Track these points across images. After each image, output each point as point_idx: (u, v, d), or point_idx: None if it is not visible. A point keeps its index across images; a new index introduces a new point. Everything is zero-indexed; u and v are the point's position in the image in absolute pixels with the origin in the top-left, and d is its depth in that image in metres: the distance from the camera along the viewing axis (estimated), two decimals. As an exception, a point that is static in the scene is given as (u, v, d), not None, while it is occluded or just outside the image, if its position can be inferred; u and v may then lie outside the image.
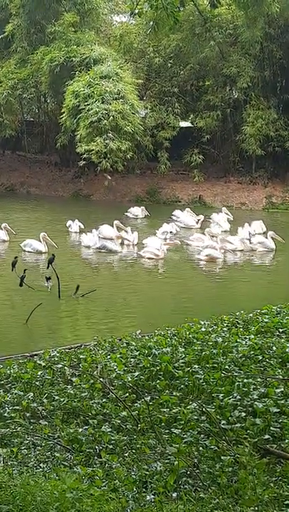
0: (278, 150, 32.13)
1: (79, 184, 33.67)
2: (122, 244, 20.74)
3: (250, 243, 21.26)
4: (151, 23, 9.72)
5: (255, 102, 32.03)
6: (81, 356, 8.58)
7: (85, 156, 28.14)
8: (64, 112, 29.35)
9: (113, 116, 27.60)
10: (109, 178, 29.09)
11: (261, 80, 32.64)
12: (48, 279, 15.03)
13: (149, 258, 19.30)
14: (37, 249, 19.34)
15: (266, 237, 21.37)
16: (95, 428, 6.24)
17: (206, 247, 19.72)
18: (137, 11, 8.72)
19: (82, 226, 22.65)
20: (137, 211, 27.10)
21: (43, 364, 8.28)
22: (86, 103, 28.21)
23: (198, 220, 25.05)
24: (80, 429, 6.24)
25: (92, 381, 7.46)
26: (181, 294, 16.10)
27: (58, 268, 16.02)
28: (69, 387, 7.42)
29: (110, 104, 27.90)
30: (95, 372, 7.73)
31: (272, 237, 21.03)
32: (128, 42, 32.54)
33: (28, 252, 19.58)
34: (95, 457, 5.76)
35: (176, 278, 18.07)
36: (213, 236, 20.91)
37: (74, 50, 30.26)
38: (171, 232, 22.31)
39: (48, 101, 36.31)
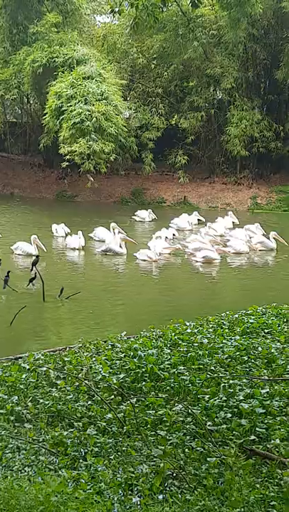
0: (262, 151, 32.23)
1: (63, 185, 33.58)
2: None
3: (250, 243, 21.38)
4: (132, 22, 9.66)
5: (239, 103, 32.11)
6: (66, 359, 8.53)
7: (68, 157, 28.05)
8: (47, 113, 29.25)
9: (96, 117, 27.52)
10: (92, 179, 29.01)
11: (245, 81, 32.74)
12: (32, 280, 14.96)
13: (143, 260, 19.28)
14: (27, 252, 19.21)
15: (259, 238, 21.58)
16: (80, 431, 6.20)
17: (201, 249, 19.78)
18: (117, 9, 8.68)
19: (69, 230, 22.54)
20: (144, 214, 27.03)
21: (28, 367, 8.22)
22: (69, 104, 28.10)
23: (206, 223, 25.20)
24: (65, 432, 6.19)
25: (77, 384, 7.41)
26: (169, 295, 16.07)
27: (43, 270, 15.96)
28: (54, 390, 7.36)
29: (93, 105, 27.82)
30: (80, 375, 7.69)
31: (274, 238, 21.09)
32: (111, 42, 32.54)
33: (19, 254, 19.47)
34: (81, 460, 5.72)
35: (167, 280, 18.05)
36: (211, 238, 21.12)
37: (57, 51, 30.16)
38: (174, 235, 22.29)
39: (31, 102, 36.19)
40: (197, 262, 19.51)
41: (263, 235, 22.42)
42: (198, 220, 25.66)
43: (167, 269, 19.22)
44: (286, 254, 20.74)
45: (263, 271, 19.39)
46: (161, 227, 22.81)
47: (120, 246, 20.19)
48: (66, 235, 22.25)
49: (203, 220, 25.27)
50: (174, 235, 22.38)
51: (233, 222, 24.99)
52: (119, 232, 21.47)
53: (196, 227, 25.04)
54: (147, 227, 25.73)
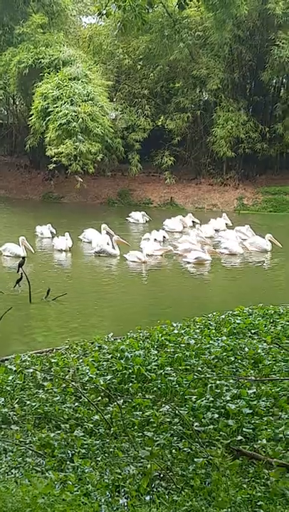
0: (248, 152, 32.34)
1: (49, 186, 33.50)
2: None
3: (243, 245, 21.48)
4: (119, 24, 9.68)
5: (225, 104, 32.20)
6: (53, 360, 8.51)
7: (54, 158, 28.02)
8: (33, 114, 29.19)
9: (83, 118, 27.51)
10: (81, 180, 28.98)
11: (231, 82, 32.82)
12: (18, 281, 14.91)
13: (133, 262, 19.29)
14: (16, 254, 19.13)
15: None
16: (68, 432, 6.19)
17: (191, 250, 19.83)
18: (104, 12, 8.68)
19: (54, 231, 22.49)
20: (138, 216, 26.97)
21: (14, 369, 8.19)
22: (55, 105, 28.07)
23: (195, 222, 25.20)
24: (52, 434, 6.17)
25: (64, 385, 7.40)
26: (157, 296, 16.09)
27: (30, 272, 15.92)
28: (41, 391, 7.34)
29: (80, 106, 27.81)
30: (67, 376, 7.68)
31: (269, 240, 21.15)
32: (97, 43, 32.55)
33: (7, 256, 19.40)
34: (68, 462, 5.71)
35: (156, 281, 18.06)
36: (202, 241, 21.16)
37: (42, 52, 30.13)
38: (164, 237, 22.26)
39: (17, 103, 36.14)
40: (189, 263, 19.55)
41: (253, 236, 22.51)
42: (193, 221, 25.58)
43: (157, 270, 19.22)
44: (280, 257, 20.79)
45: (254, 272, 19.41)
46: (155, 229, 22.84)
47: (113, 247, 20.20)
48: (52, 236, 22.20)
49: (198, 221, 25.26)
50: (164, 237, 22.34)
51: (226, 224, 24.97)
52: (107, 232, 21.49)
53: (191, 228, 24.97)
54: (141, 228, 25.63)
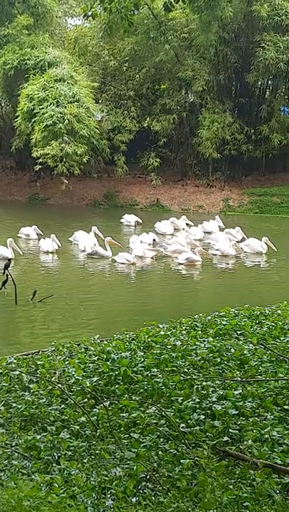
0: (234, 153, 32.47)
1: (35, 188, 33.43)
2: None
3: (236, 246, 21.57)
4: (105, 25, 9.68)
5: (210, 106, 32.30)
6: (39, 362, 8.48)
7: (40, 160, 27.97)
8: (19, 116, 29.12)
9: (68, 119, 27.50)
10: (66, 181, 28.94)
11: (216, 84, 32.92)
12: (4, 283, 14.86)
13: (122, 263, 19.28)
14: (3, 256, 19.00)
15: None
16: (54, 435, 6.17)
17: (181, 252, 19.88)
18: (90, 13, 8.67)
19: (41, 233, 22.42)
20: (130, 218, 26.83)
21: (0, 371, 8.15)
22: (41, 106, 28.05)
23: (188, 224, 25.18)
24: (38, 436, 6.15)
25: (50, 387, 7.37)
26: (145, 298, 16.11)
27: (16, 274, 15.86)
28: (27, 393, 7.32)
29: (65, 107, 27.80)
30: (53, 378, 7.65)
31: (265, 242, 21.18)
32: (83, 45, 32.52)
33: None
34: (54, 464, 5.69)
35: (144, 283, 18.07)
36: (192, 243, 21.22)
37: (28, 53, 30.09)
38: (154, 240, 22.23)
39: (3, 104, 36.03)
40: (180, 264, 19.58)
41: (243, 238, 22.54)
42: (187, 224, 25.56)
43: (146, 272, 19.24)
44: (273, 259, 20.84)
45: (244, 274, 19.46)
46: (145, 232, 22.84)
47: (105, 249, 20.18)
48: (39, 238, 22.13)
49: (192, 224, 25.24)
50: (154, 239, 22.29)
51: (220, 226, 24.89)
52: (96, 234, 21.50)
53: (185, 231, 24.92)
54: (133, 231, 25.50)
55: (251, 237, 22.08)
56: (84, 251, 20.79)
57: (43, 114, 27.79)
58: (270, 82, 34.55)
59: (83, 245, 20.95)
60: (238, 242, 22.19)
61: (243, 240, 22.53)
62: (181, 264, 19.55)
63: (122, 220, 27.02)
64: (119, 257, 19.44)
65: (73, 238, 22.20)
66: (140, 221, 26.76)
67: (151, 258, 20.16)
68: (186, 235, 22.63)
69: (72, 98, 28.24)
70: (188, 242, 21.10)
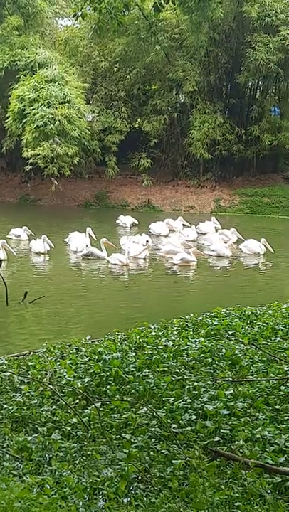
0: (225, 154, 32.51)
1: (26, 189, 33.36)
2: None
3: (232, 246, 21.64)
4: (95, 26, 9.68)
5: (201, 106, 32.32)
6: (30, 363, 8.47)
7: (31, 160, 27.93)
8: (9, 117, 29.06)
9: (59, 120, 27.47)
10: (56, 182, 28.91)
11: (207, 84, 32.96)
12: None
13: (115, 264, 19.27)
14: None
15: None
16: (45, 436, 6.16)
17: (175, 252, 19.92)
18: (79, 13, 8.66)
19: (33, 234, 22.37)
20: (126, 220, 26.67)
21: (-9, 372, 8.14)
22: (31, 107, 28.00)
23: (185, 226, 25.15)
24: (30, 438, 6.14)
25: (41, 388, 7.36)
26: (137, 299, 16.07)
27: (7, 275, 15.82)
28: (18, 395, 7.30)
29: (56, 108, 27.77)
30: (45, 380, 7.64)
31: (263, 244, 21.21)
32: (73, 46, 32.47)
33: None
34: (45, 465, 5.67)
35: (137, 283, 18.02)
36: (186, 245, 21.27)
37: (18, 54, 30.03)
38: (147, 241, 22.19)
39: (-7, 105, 35.86)
40: (175, 264, 19.60)
41: (239, 239, 22.52)
42: (183, 224, 25.51)
43: (139, 272, 19.23)
44: (272, 260, 20.86)
45: (240, 275, 19.45)
46: (138, 234, 22.81)
47: (101, 250, 20.18)
48: (30, 239, 22.08)
49: (188, 225, 25.22)
50: (147, 241, 22.22)
51: (216, 228, 24.80)
52: (89, 235, 21.52)
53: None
54: (128, 232, 25.40)
55: (250, 239, 21.96)
56: (76, 252, 20.78)
57: (34, 114, 27.75)
58: (260, 82, 34.62)
59: (75, 246, 20.94)
60: (234, 243, 22.18)
61: (239, 241, 22.48)
62: (176, 264, 19.57)
63: (117, 221, 26.90)
64: (113, 258, 19.44)
65: (68, 239, 22.13)
66: (136, 222, 26.64)
67: (144, 259, 20.14)
68: (178, 235, 22.63)
69: (63, 99, 28.22)
70: (181, 243, 21.13)
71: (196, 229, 24.60)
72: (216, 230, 24.42)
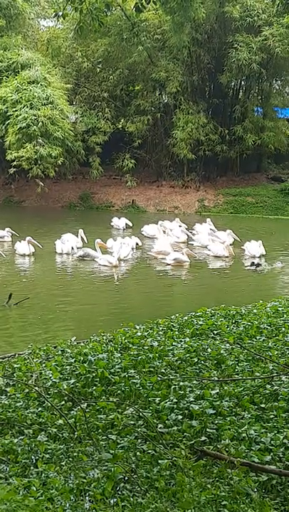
0: (209, 154, 32.59)
1: (10, 191, 33.27)
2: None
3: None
4: (76, 26, 9.66)
5: (184, 107, 32.39)
6: (15, 365, 8.44)
7: (15, 162, 27.83)
8: (-8, 118, 28.95)
9: (42, 121, 27.41)
10: (41, 184, 28.85)
11: (190, 85, 33.02)
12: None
13: (104, 266, 19.25)
14: None
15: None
16: (31, 438, 6.13)
17: (166, 253, 19.97)
18: (60, 13, 8.64)
19: (16, 234, 22.28)
20: (120, 222, 26.50)
21: (-24, 375, 8.09)
22: (14, 109, 27.92)
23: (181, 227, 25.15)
24: (16, 440, 6.10)
25: (27, 390, 7.34)
26: (124, 300, 16.07)
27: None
28: (3, 397, 7.27)
29: (39, 109, 27.70)
30: (30, 381, 7.61)
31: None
32: (56, 46, 32.43)
33: None
34: (32, 467, 5.65)
35: (123, 285, 17.99)
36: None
37: (0, 55, 29.99)
38: (137, 244, 22.13)
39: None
40: (168, 264, 19.66)
41: (235, 241, 22.52)
42: (180, 226, 25.42)
43: (128, 273, 19.19)
44: (268, 262, 20.90)
45: (230, 275, 19.46)
46: (128, 236, 22.77)
47: (96, 251, 20.18)
48: (13, 240, 22.00)
49: (186, 226, 25.16)
50: (137, 243, 22.16)
51: (211, 229, 24.65)
52: (81, 237, 21.52)
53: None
54: (122, 234, 25.21)
55: (248, 241, 21.82)
56: (62, 254, 20.75)
57: (17, 116, 27.66)
58: (243, 82, 34.76)
59: (60, 248, 20.88)
60: (231, 244, 22.23)
61: (235, 242, 22.50)
62: (169, 264, 19.63)
63: (112, 224, 26.70)
64: (102, 260, 19.42)
65: (61, 241, 22.04)
66: (130, 224, 26.44)
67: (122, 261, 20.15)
68: (168, 236, 22.63)
69: (45, 100, 28.16)
70: (171, 244, 21.17)
71: (192, 231, 24.47)
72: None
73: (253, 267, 19.33)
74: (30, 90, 28.20)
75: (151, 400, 6.93)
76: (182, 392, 7.09)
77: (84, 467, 5.57)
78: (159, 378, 7.57)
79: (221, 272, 19.79)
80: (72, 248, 20.87)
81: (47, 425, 6.42)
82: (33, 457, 5.81)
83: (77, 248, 21.06)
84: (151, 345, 9.10)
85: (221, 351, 8.68)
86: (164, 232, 24.12)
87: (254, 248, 21.13)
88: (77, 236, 21.84)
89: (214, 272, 19.81)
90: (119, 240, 21.26)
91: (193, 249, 21.59)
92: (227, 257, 20.94)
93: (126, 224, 26.46)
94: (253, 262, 19.84)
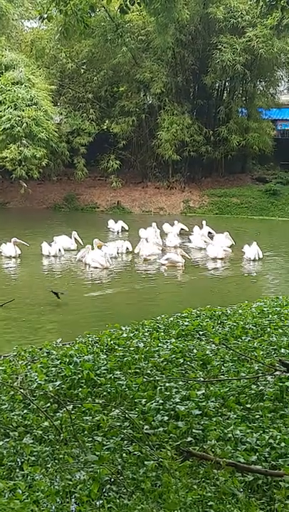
0: (194, 155, 32.65)
1: (-6, 192, 33.15)
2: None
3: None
4: (61, 28, 9.64)
5: (169, 108, 32.42)
6: (0, 368, 8.39)
7: (-1, 164, 27.76)
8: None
9: (27, 123, 27.34)
10: (25, 185, 28.75)
11: (174, 86, 33.07)
12: None
13: (95, 268, 19.21)
14: None
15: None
16: (16, 440, 6.10)
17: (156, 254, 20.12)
18: (45, 16, 8.62)
19: None
20: (116, 226, 26.33)
21: None
22: (-2, 110, 27.82)
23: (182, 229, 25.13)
24: (1, 443, 6.07)
25: (12, 392, 7.30)
26: (108, 301, 16.04)
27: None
28: (-12, 400, 7.23)
29: (23, 110, 27.62)
30: (15, 384, 7.58)
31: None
32: (40, 47, 32.38)
33: None
34: (17, 470, 5.62)
35: (112, 286, 17.87)
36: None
37: (-16, 57, 29.81)
38: (127, 248, 22.04)
39: None
40: (163, 265, 19.75)
41: (232, 245, 22.54)
42: (182, 229, 25.37)
43: (118, 275, 19.12)
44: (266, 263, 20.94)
45: (220, 277, 19.46)
46: (120, 239, 22.76)
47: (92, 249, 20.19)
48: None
49: (187, 229, 25.11)
50: (127, 248, 22.08)
51: (209, 233, 24.58)
52: (75, 239, 21.48)
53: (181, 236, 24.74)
54: (117, 236, 25.17)
55: (245, 244, 21.82)
56: (48, 256, 20.68)
57: (1, 117, 27.57)
58: (227, 83, 34.87)
59: (47, 250, 20.79)
60: (230, 246, 22.27)
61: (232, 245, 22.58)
62: (164, 264, 19.69)
63: (108, 226, 26.49)
64: (93, 262, 19.37)
65: (55, 243, 21.94)
66: (126, 227, 26.13)
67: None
68: (154, 240, 22.61)
69: (30, 101, 28.08)
70: (158, 247, 21.22)
71: (192, 233, 24.41)
72: (210, 235, 24.25)
73: None
74: (14, 91, 28.11)
75: (137, 401, 6.93)
76: (168, 393, 7.09)
77: (70, 469, 5.55)
78: (144, 379, 7.57)
79: (213, 273, 19.81)
80: (60, 250, 20.80)
81: (32, 427, 6.39)
82: (18, 460, 5.78)
83: (72, 250, 21.13)
84: (137, 346, 9.09)
85: (207, 352, 8.69)
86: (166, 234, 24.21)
87: (251, 251, 21.13)
88: (70, 238, 21.81)
89: (206, 273, 19.82)
90: (112, 244, 21.31)
91: (188, 252, 21.58)
92: (222, 259, 20.92)
93: (122, 227, 26.24)
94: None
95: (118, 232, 26.01)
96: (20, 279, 18.73)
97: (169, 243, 23.12)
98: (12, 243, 20.38)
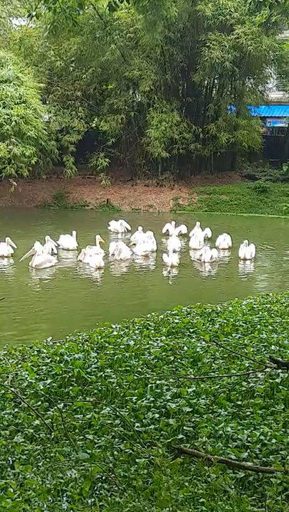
0: (183, 152, 32.65)
1: (-17, 191, 32.98)
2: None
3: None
4: (50, 25, 9.63)
5: (158, 105, 32.41)
6: (-9, 367, 8.38)
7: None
8: None
9: (15, 121, 27.25)
10: (15, 184, 28.66)
11: (163, 83, 33.06)
12: None
13: (90, 267, 19.21)
14: None
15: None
16: (7, 439, 6.09)
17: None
18: (34, 13, 8.60)
19: None
20: (116, 225, 26.09)
21: None
22: (-13, 108, 27.71)
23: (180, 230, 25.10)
24: (-8, 442, 6.07)
25: (3, 391, 7.29)
26: (100, 300, 16.03)
27: None
28: (-21, 399, 7.21)
29: (12, 108, 27.53)
30: (6, 382, 7.57)
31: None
32: (28, 45, 32.25)
33: None
34: (8, 469, 5.61)
35: (104, 285, 17.89)
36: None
37: (-28, 55, 29.69)
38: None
39: None
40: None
41: (230, 247, 22.53)
42: (180, 231, 25.23)
43: (110, 275, 19.08)
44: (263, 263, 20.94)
45: (213, 276, 19.45)
46: (113, 241, 22.68)
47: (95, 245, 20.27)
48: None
49: (185, 231, 25.02)
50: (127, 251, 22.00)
51: (206, 234, 24.35)
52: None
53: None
54: (120, 237, 25.01)
55: (245, 245, 21.81)
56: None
57: (-10, 115, 27.47)
58: (216, 81, 34.91)
59: (41, 250, 20.69)
60: (229, 247, 22.33)
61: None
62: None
63: (109, 228, 26.25)
64: (91, 262, 19.34)
65: (59, 242, 21.89)
66: (129, 228, 25.74)
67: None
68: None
69: (18, 99, 27.99)
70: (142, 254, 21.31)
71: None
72: (207, 238, 24.10)
73: None
74: (3, 89, 28.01)
75: (128, 399, 6.93)
76: (159, 390, 7.10)
77: (61, 467, 5.55)
78: (135, 377, 7.57)
79: (205, 273, 19.81)
80: (52, 249, 20.75)
81: (23, 426, 6.39)
82: (9, 458, 5.78)
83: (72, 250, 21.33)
84: (128, 344, 9.09)
85: (197, 349, 8.71)
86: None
87: (244, 251, 21.11)
88: (75, 239, 21.88)
89: (197, 271, 19.83)
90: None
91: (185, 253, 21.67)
92: (213, 261, 20.88)
93: (126, 228, 25.82)
94: None
95: (122, 233, 25.57)
96: (11, 278, 18.68)
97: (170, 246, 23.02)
98: (6, 243, 20.30)
